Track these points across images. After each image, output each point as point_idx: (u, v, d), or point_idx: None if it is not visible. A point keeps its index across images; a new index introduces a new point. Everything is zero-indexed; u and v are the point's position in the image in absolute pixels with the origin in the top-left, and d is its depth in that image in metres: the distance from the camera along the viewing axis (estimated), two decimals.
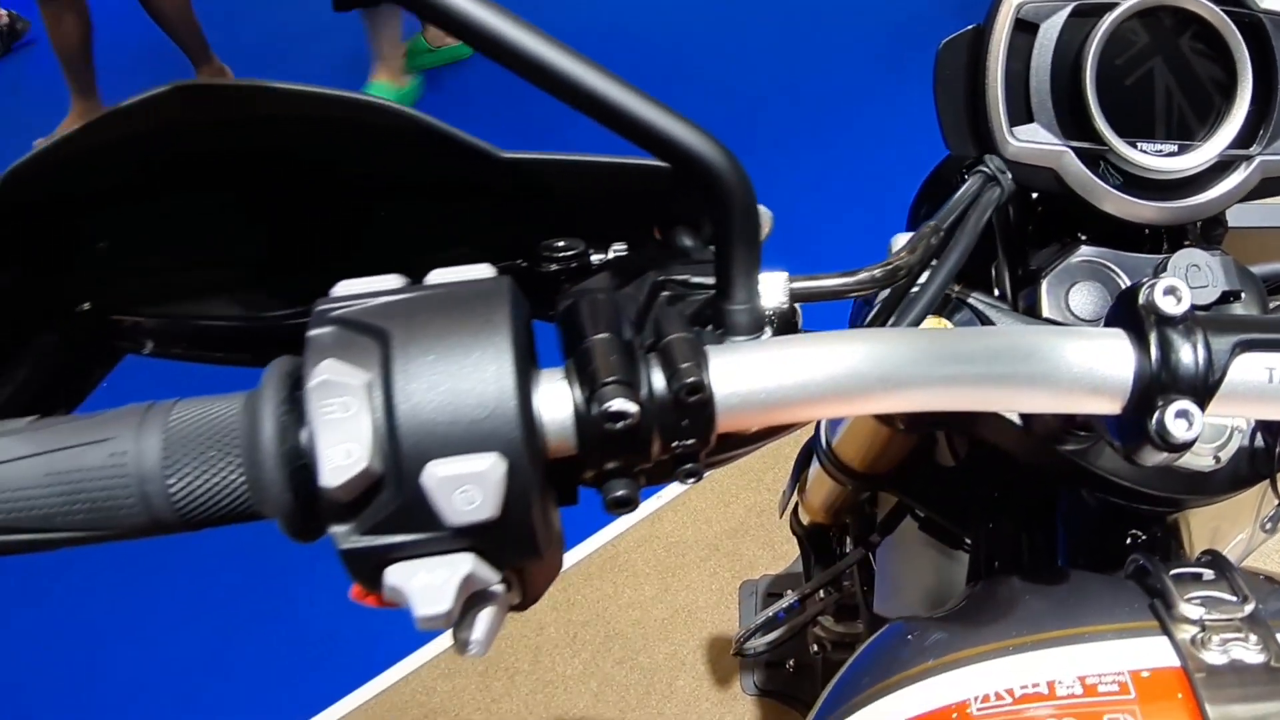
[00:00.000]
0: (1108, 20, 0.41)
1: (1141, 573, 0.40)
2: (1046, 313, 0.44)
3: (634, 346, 0.26)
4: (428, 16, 0.25)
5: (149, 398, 0.27)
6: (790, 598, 0.97)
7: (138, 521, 0.25)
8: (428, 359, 0.24)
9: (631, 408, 0.24)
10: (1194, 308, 0.29)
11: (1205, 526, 0.50)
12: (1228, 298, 0.43)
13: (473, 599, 0.25)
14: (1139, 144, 0.42)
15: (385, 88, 2.63)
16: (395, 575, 0.24)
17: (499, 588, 0.26)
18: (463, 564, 0.24)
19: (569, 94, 0.26)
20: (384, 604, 0.26)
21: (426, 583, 0.24)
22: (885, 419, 0.49)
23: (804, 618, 1.01)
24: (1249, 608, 0.36)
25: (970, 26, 0.44)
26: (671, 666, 1.44)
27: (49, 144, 0.31)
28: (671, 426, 0.25)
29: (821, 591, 1.00)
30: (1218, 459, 0.41)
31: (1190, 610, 0.36)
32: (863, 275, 0.33)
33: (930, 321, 0.40)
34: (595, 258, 0.34)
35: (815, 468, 0.78)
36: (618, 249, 0.35)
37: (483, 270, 0.26)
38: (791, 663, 1.27)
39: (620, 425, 0.24)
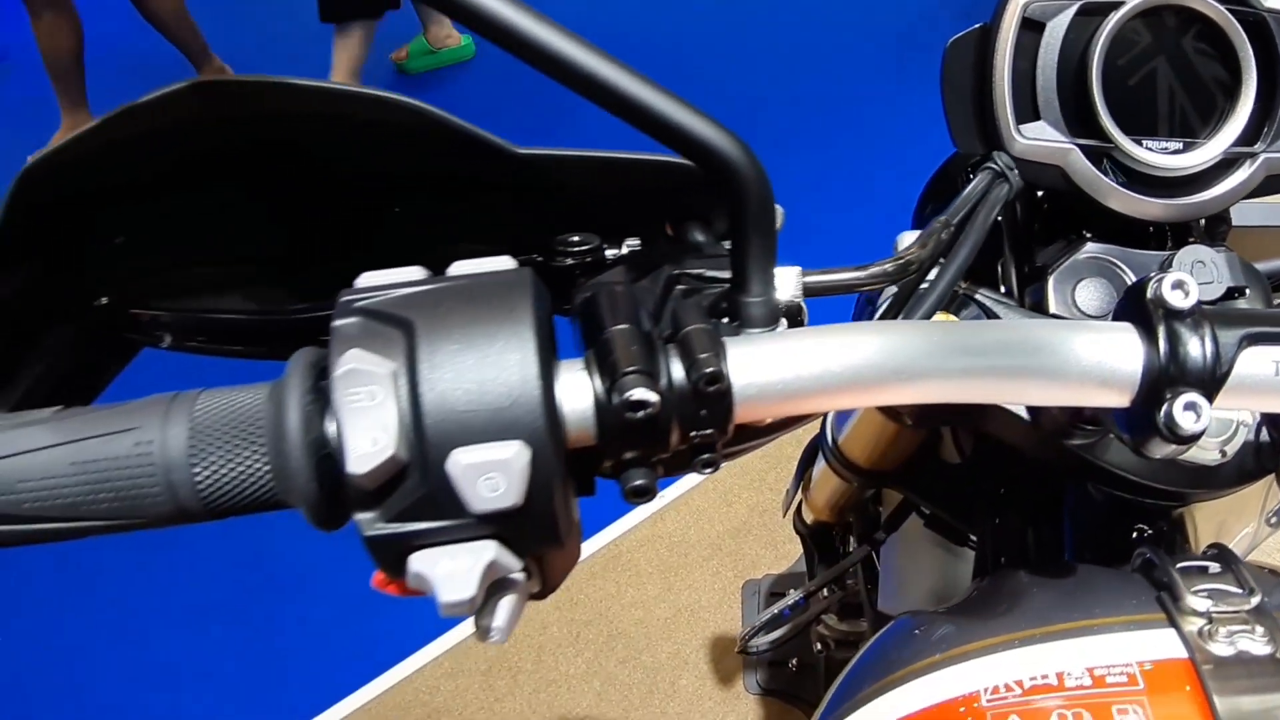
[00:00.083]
0: (1113, 19, 0.41)
1: (1148, 566, 0.40)
2: (1053, 308, 0.44)
3: (653, 337, 0.26)
4: (449, 11, 0.25)
5: (157, 392, 0.27)
6: (794, 595, 0.97)
7: (163, 510, 0.25)
8: (452, 348, 0.24)
9: (652, 397, 0.25)
10: (1200, 302, 0.30)
11: (1211, 521, 0.50)
12: (1232, 294, 0.44)
13: (494, 586, 0.26)
14: (1144, 141, 0.43)
15: None
16: (419, 562, 0.24)
17: (520, 576, 0.26)
18: (486, 551, 0.24)
19: (587, 88, 0.26)
20: (406, 592, 0.27)
21: (450, 569, 0.24)
22: (893, 415, 0.49)
23: (808, 616, 1.01)
24: (1255, 600, 0.37)
25: (977, 25, 0.44)
26: (674, 666, 1.44)
27: (66, 140, 0.31)
28: (690, 416, 0.26)
29: (825, 590, 1.01)
30: (1223, 453, 0.41)
31: (1197, 603, 0.37)
32: (874, 270, 0.34)
33: (939, 317, 0.40)
34: (609, 252, 0.34)
35: (820, 465, 0.79)
36: (631, 244, 0.35)
37: (504, 262, 0.27)
38: (794, 662, 1.27)
39: (641, 414, 0.25)
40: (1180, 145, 0.43)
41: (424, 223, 0.37)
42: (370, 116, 0.31)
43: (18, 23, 2.66)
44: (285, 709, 1.46)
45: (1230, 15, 0.42)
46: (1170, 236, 0.46)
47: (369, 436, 0.23)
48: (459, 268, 0.27)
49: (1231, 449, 0.42)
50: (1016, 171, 0.43)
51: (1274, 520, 0.58)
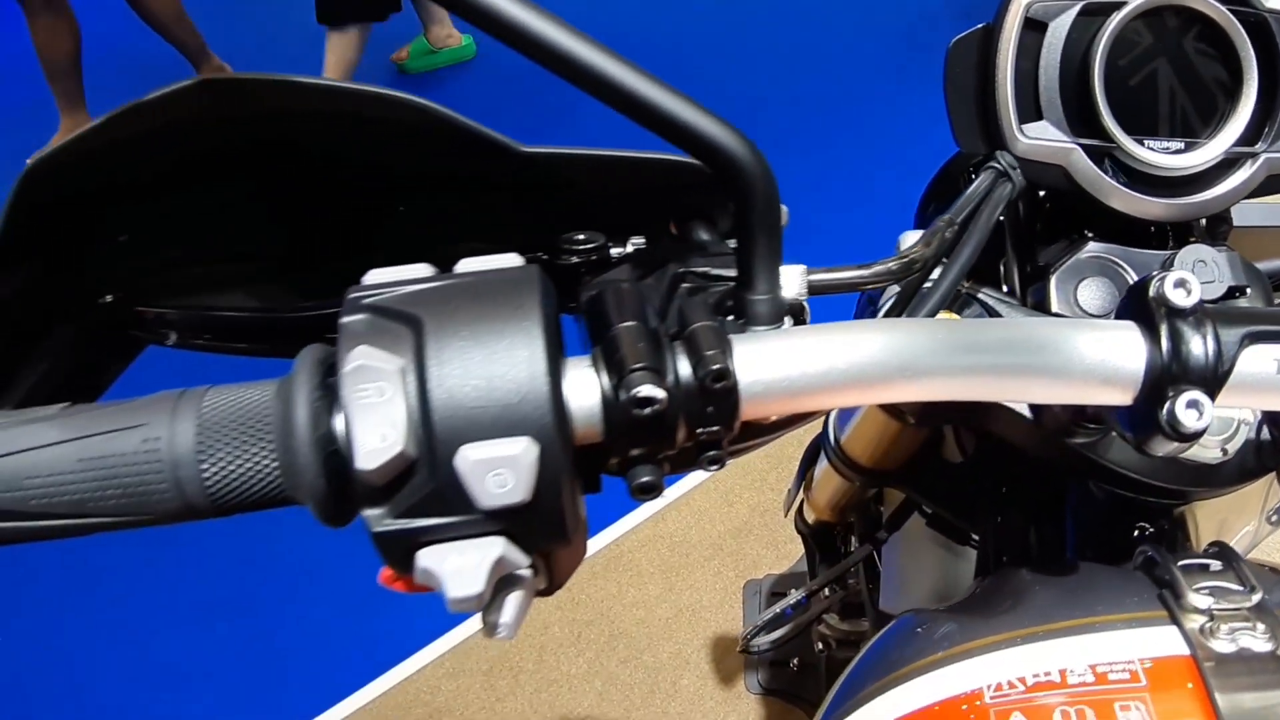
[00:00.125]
0: (1115, 19, 0.41)
1: (1150, 564, 0.40)
2: (1055, 307, 0.44)
3: (660, 334, 0.27)
4: (457, 10, 0.26)
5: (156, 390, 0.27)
6: (797, 595, 0.97)
7: (170, 507, 0.25)
8: (460, 345, 0.24)
9: (660, 393, 0.25)
10: (1202, 301, 0.30)
11: (1212, 519, 0.50)
12: (1233, 293, 0.44)
13: (502, 582, 0.26)
14: (1146, 141, 0.43)
15: None
16: (427, 558, 0.24)
17: (527, 572, 0.26)
18: (494, 547, 0.25)
19: (594, 86, 0.26)
20: (413, 588, 0.27)
21: (458, 565, 0.24)
22: (896, 414, 0.49)
23: (809, 615, 1.01)
24: (1256, 597, 0.37)
25: (980, 25, 0.44)
26: (676, 665, 1.44)
27: (69, 138, 0.31)
28: (697, 413, 0.26)
29: (827, 589, 1.01)
30: (1225, 451, 0.42)
31: (1199, 600, 0.37)
32: (879, 268, 0.34)
33: (941, 316, 0.40)
34: (614, 251, 0.35)
35: (822, 465, 0.79)
36: (636, 242, 0.35)
37: (511, 259, 0.27)
38: (795, 661, 1.27)
39: (648, 411, 0.25)
40: (1182, 145, 0.43)
41: (428, 221, 0.37)
42: (375, 114, 0.32)
43: (14, 24, 2.65)
44: (286, 709, 1.46)
45: (1231, 16, 0.42)
46: (1171, 236, 0.47)
47: (378, 432, 0.23)
48: (466, 265, 0.27)
49: (1232, 447, 0.42)
50: (1019, 171, 0.43)
51: (1275, 518, 0.58)
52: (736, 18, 2.98)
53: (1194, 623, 0.36)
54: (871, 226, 1.92)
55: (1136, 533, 0.47)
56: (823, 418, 0.70)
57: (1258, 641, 0.35)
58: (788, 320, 0.30)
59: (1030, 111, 0.43)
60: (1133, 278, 0.45)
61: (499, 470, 0.23)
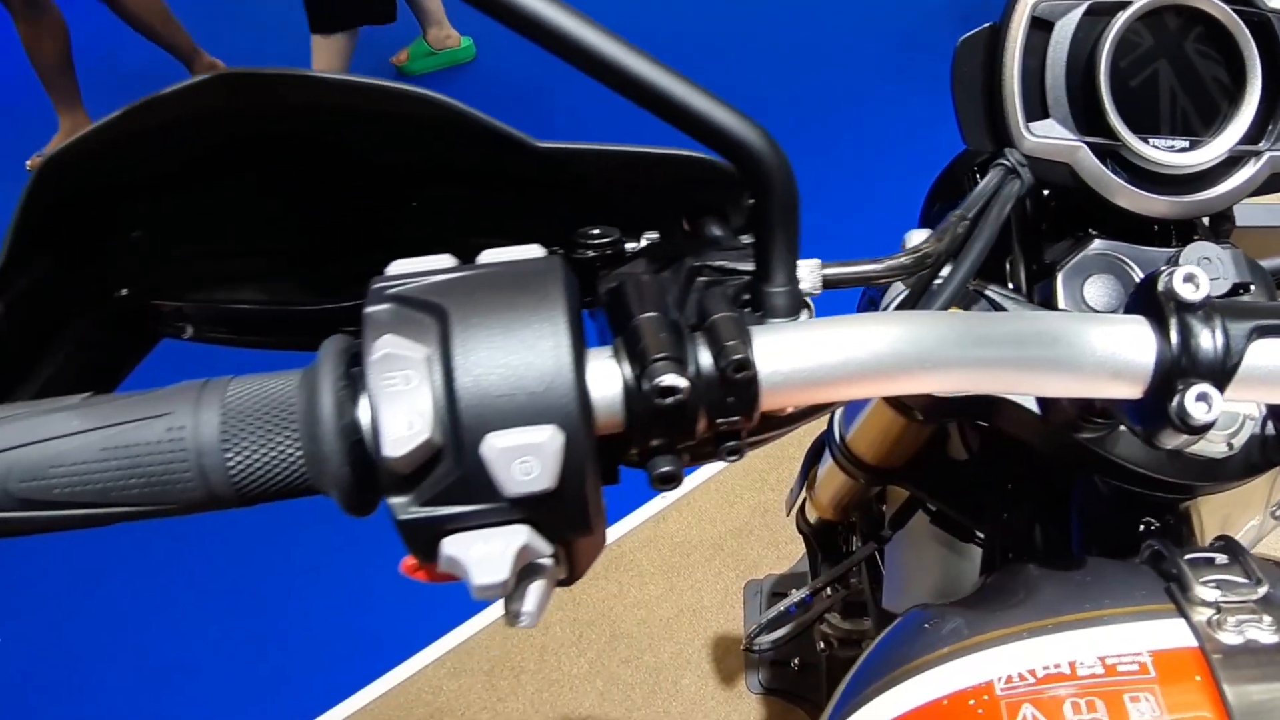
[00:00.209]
0: (1121, 18, 0.42)
1: (1157, 558, 0.41)
2: (1062, 304, 0.45)
3: (680, 325, 0.27)
4: (481, 6, 0.26)
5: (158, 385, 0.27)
6: (800, 594, 0.97)
7: (194, 496, 0.25)
8: (486, 334, 0.24)
9: (682, 383, 0.25)
10: (1210, 296, 0.30)
11: (1217, 514, 0.50)
12: (1238, 290, 0.44)
13: (524, 571, 0.26)
14: (1151, 140, 0.43)
15: None
16: (452, 546, 0.25)
17: (548, 561, 0.26)
18: (518, 535, 0.25)
19: (615, 79, 0.26)
20: (434, 578, 0.27)
21: (483, 553, 0.24)
22: (904, 410, 0.50)
23: (812, 614, 1.02)
24: (1263, 590, 0.37)
25: (987, 25, 0.45)
26: (677, 665, 1.45)
27: (86, 131, 0.31)
28: (717, 403, 0.26)
29: (829, 589, 1.01)
30: (1230, 446, 0.42)
31: (1206, 593, 0.37)
32: (891, 262, 0.34)
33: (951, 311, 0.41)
34: (628, 246, 0.35)
35: (826, 463, 0.79)
36: (650, 237, 0.36)
37: (533, 250, 0.27)
38: (796, 661, 1.28)
39: (670, 400, 0.25)
40: (1186, 143, 0.44)
41: (444, 216, 0.37)
42: (391, 109, 0.32)
43: (8, 28, 2.64)
44: (287, 709, 1.46)
45: (1235, 15, 0.43)
46: (1175, 234, 0.47)
47: (404, 420, 0.23)
48: (489, 255, 0.27)
49: (1238, 442, 0.42)
50: (1028, 168, 0.43)
51: (1279, 513, 0.58)
52: (736, 18, 2.99)
53: (1201, 615, 0.36)
54: (871, 226, 1.93)
55: (1142, 528, 0.47)
56: (828, 416, 0.70)
57: (1264, 633, 0.36)
58: (804, 312, 0.30)
59: (1037, 110, 0.44)
60: (1138, 275, 0.45)
61: (525, 458, 0.24)
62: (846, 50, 2.79)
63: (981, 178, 0.43)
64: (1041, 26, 0.43)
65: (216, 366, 0.29)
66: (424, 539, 0.25)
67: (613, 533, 1.61)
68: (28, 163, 2.72)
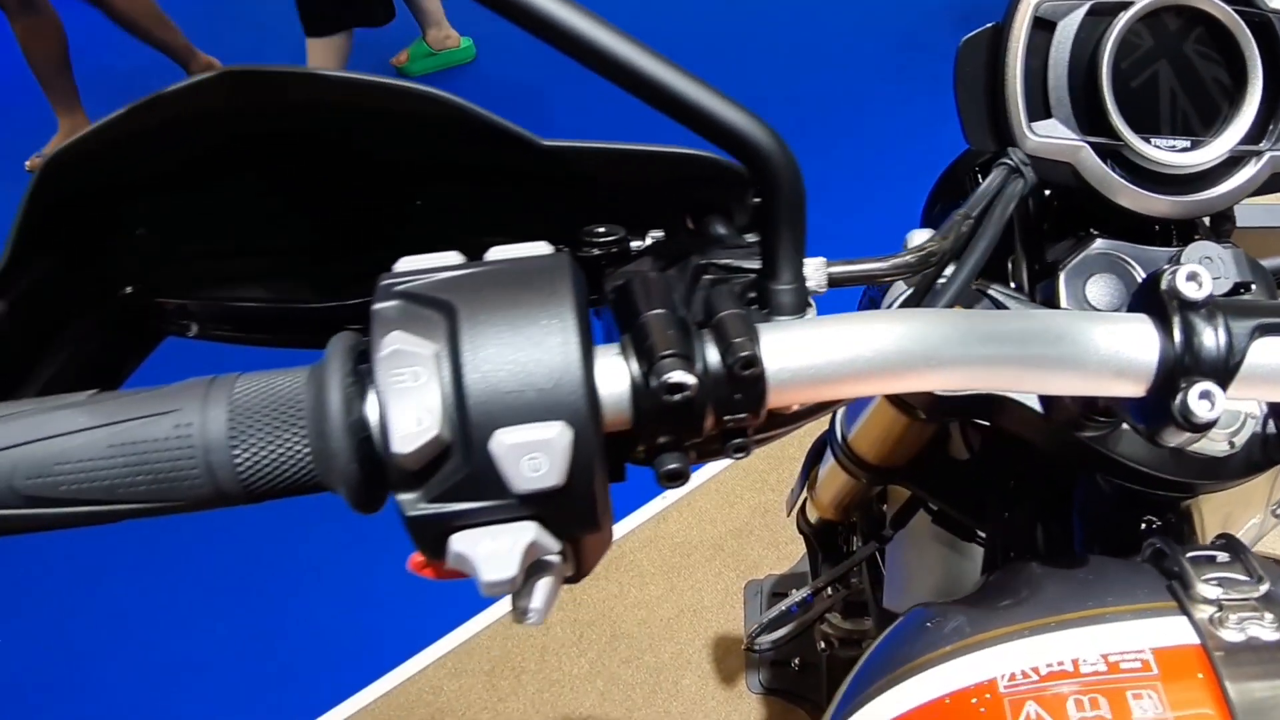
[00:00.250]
0: (1123, 19, 0.42)
1: (1158, 556, 0.41)
2: (1065, 303, 0.45)
3: (687, 322, 0.27)
4: (494, 6, 0.26)
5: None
6: (801, 593, 0.98)
7: (202, 493, 0.25)
8: (494, 330, 0.24)
9: (690, 379, 0.25)
10: (1212, 295, 0.30)
11: (1218, 512, 0.51)
12: (1239, 289, 0.45)
13: (532, 568, 0.26)
14: (1152, 140, 0.43)
15: None
16: (460, 542, 0.25)
17: (556, 558, 0.26)
18: (526, 532, 0.25)
19: (622, 77, 0.27)
20: (442, 574, 0.27)
21: (492, 549, 0.24)
22: (906, 409, 0.50)
23: (813, 614, 1.02)
24: (1264, 588, 0.37)
25: (989, 25, 0.45)
26: (677, 665, 1.45)
27: (90, 129, 0.31)
28: (725, 400, 0.26)
29: (829, 589, 1.01)
30: (1232, 444, 0.42)
31: (1207, 590, 0.37)
32: (896, 260, 0.34)
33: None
34: (634, 244, 0.35)
35: (828, 463, 0.79)
36: (655, 236, 0.36)
37: (541, 247, 0.27)
38: (797, 661, 1.28)
39: (679, 397, 0.25)
40: (1188, 143, 0.44)
41: (447, 214, 0.37)
42: (396, 107, 0.32)
43: (2, 30, 2.63)
44: (288, 709, 1.46)
45: (1236, 16, 0.43)
46: (1176, 234, 0.47)
47: (413, 416, 0.23)
48: (497, 253, 0.27)
49: (1240, 440, 0.42)
50: (1030, 167, 0.43)
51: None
52: (736, 18, 2.99)
53: (1203, 613, 0.36)
54: (871, 227, 1.93)
55: (1144, 526, 0.47)
56: (829, 415, 0.70)
57: (1266, 631, 0.36)
58: (811, 310, 0.30)
59: (1039, 110, 0.44)
60: (1140, 274, 0.45)
61: (534, 454, 0.24)
62: (846, 50, 2.79)
63: (983, 178, 0.43)
64: (1044, 27, 0.43)
65: (219, 366, 0.29)
66: (432, 535, 0.25)
67: (613, 533, 1.61)
68: (27, 163, 2.72)
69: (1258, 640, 0.35)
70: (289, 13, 2.52)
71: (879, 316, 0.28)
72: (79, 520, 0.26)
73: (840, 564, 0.95)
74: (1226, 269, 0.44)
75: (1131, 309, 0.32)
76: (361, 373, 0.26)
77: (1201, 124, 0.44)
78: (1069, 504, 0.53)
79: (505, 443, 0.24)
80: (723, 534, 1.60)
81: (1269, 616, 0.36)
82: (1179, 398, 0.29)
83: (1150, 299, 0.31)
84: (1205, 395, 0.29)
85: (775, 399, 0.27)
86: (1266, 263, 0.47)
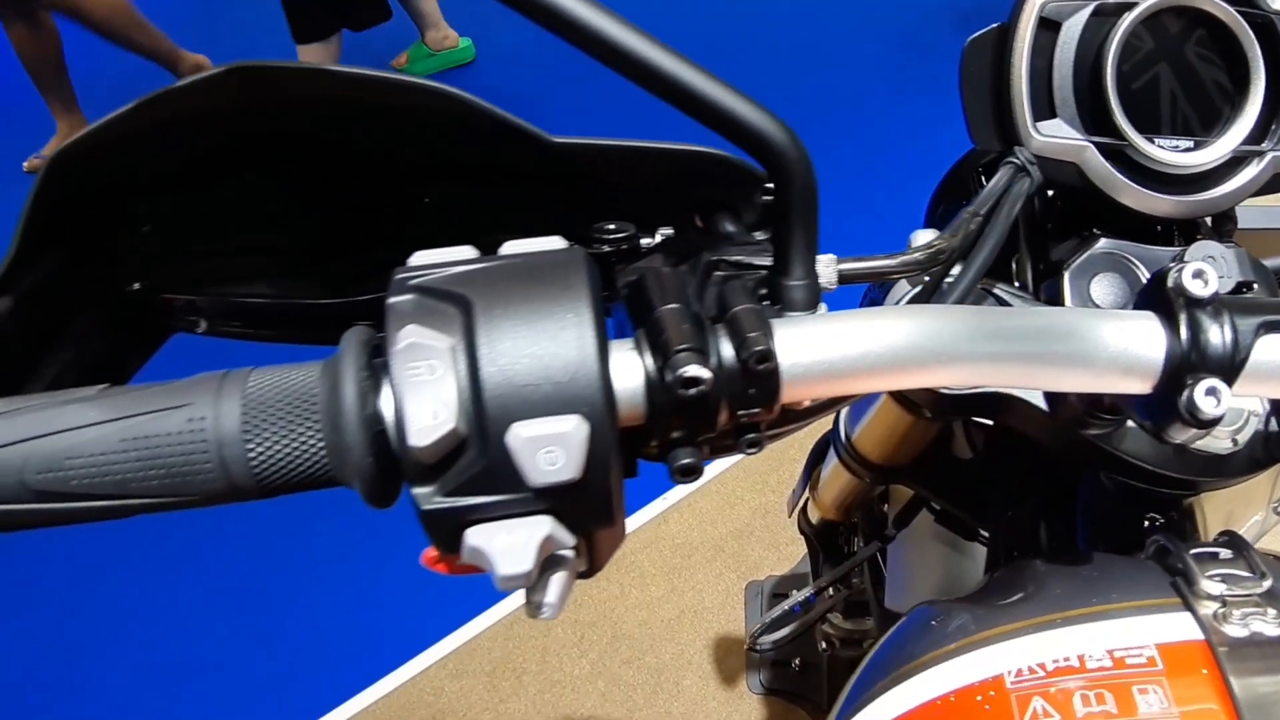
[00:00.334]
0: (1128, 19, 0.42)
1: (1162, 553, 0.41)
2: (1069, 302, 0.45)
3: (701, 317, 0.27)
4: (511, 2, 0.26)
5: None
6: (804, 593, 0.98)
7: (215, 488, 0.25)
8: (510, 324, 0.24)
9: (705, 373, 0.25)
10: (1218, 292, 0.31)
11: (1220, 510, 0.51)
12: (1241, 288, 0.45)
13: (547, 563, 0.26)
14: (1156, 140, 0.44)
15: None
16: (476, 536, 0.25)
17: (570, 553, 0.26)
18: (541, 526, 0.25)
19: (636, 72, 0.27)
20: (455, 570, 0.27)
21: (507, 543, 0.24)
22: (912, 407, 0.50)
23: (814, 614, 1.02)
24: (1267, 584, 0.37)
25: (995, 25, 0.45)
26: (678, 666, 1.45)
27: (97, 124, 0.31)
28: (739, 395, 0.26)
29: (830, 589, 1.01)
30: (1235, 442, 0.42)
31: (1211, 587, 0.37)
32: (906, 257, 0.34)
33: None
34: (643, 241, 0.35)
35: (830, 463, 0.79)
36: (664, 233, 0.36)
37: (555, 241, 0.27)
38: (798, 661, 1.28)
39: (694, 391, 0.25)
40: (1191, 143, 0.44)
41: (456, 212, 0.37)
42: (405, 103, 0.32)
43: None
44: (289, 710, 1.46)
45: (1239, 17, 0.43)
46: (1178, 234, 0.48)
47: (429, 409, 0.23)
48: (511, 247, 0.27)
49: (1242, 438, 0.43)
50: (1037, 166, 0.44)
51: None
52: (736, 18, 3.00)
53: (1207, 609, 0.37)
54: (870, 227, 1.93)
55: (1146, 524, 0.47)
56: (833, 415, 0.71)
57: (1269, 626, 0.36)
58: (823, 306, 0.30)
59: (1044, 109, 0.44)
60: (1144, 273, 0.45)
61: (550, 448, 0.24)
62: (846, 51, 2.80)
63: (986, 178, 0.43)
64: (1049, 27, 0.44)
65: (218, 365, 0.29)
66: (448, 529, 0.25)
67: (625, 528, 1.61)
68: (25, 164, 2.72)
69: (1261, 636, 0.36)
70: (279, 20, 2.51)
71: (892, 312, 0.28)
72: (90, 515, 0.26)
73: (842, 564, 0.95)
74: (1229, 268, 0.45)
75: (1138, 306, 0.32)
76: (376, 367, 0.26)
77: (1201, 126, 0.44)
78: (1072, 502, 0.53)
79: (522, 436, 0.24)
80: (723, 535, 1.60)
81: (1272, 612, 0.36)
82: (1185, 394, 0.30)
83: (1156, 296, 0.31)
84: (1211, 391, 0.29)
85: (789, 394, 0.27)
86: (1268, 262, 0.48)
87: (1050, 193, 0.50)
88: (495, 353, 0.24)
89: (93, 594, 1.66)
